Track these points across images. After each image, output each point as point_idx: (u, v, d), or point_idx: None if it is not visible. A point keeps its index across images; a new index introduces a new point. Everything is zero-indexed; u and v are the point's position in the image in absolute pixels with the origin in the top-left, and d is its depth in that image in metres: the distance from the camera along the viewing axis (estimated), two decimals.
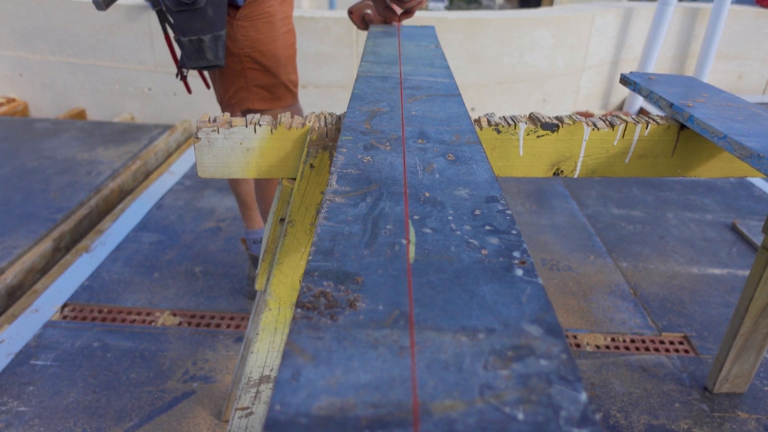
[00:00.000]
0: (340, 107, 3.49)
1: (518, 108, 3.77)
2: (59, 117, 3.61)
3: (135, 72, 3.58)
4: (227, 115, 0.96)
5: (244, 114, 1.55)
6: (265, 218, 1.87)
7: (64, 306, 1.85)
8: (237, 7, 1.38)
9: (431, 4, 12.06)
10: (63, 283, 1.97)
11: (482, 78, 3.61)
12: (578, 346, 1.76)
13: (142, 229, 2.34)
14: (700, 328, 1.86)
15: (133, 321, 1.79)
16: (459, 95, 0.93)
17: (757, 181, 3.05)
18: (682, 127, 1.05)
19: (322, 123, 0.92)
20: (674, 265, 2.22)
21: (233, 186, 1.80)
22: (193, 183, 2.80)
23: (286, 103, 1.54)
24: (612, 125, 1.03)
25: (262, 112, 1.51)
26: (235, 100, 1.52)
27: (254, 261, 1.89)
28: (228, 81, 1.49)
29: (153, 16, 3.40)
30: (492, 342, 0.37)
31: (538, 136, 1.01)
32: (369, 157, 0.65)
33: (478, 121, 1.01)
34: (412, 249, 0.47)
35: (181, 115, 3.64)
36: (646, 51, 4.03)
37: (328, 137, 0.91)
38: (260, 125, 0.92)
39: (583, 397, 0.32)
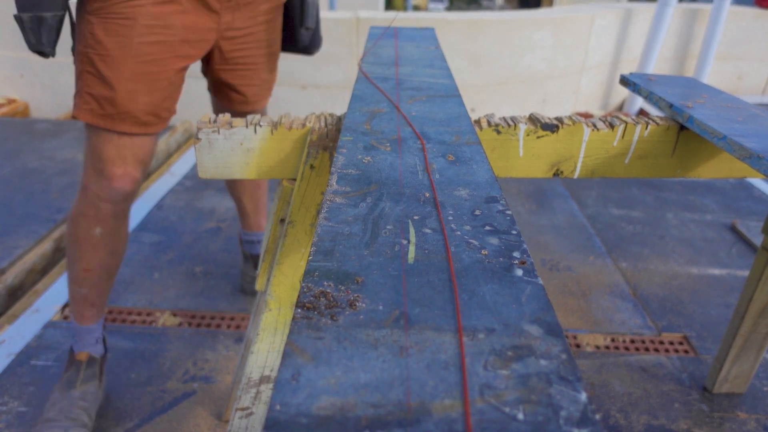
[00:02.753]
0: (340, 108, 3.50)
1: (518, 109, 3.77)
2: (60, 118, 3.61)
3: None
4: (227, 115, 0.96)
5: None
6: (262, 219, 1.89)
7: (64, 306, 1.85)
8: None
9: (431, 5, 12.05)
10: (63, 284, 1.97)
11: (482, 79, 3.61)
12: (578, 346, 1.76)
13: (143, 229, 2.34)
14: (700, 329, 1.86)
15: (134, 321, 1.79)
16: (459, 96, 0.93)
17: (757, 181, 3.05)
18: (682, 127, 1.05)
19: (323, 123, 0.93)
20: (674, 266, 2.22)
21: (229, 186, 1.81)
22: (194, 183, 2.80)
23: (125, 129, 1.20)
24: (612, 126, 1.03)
25: (90, 127, 1.22)
26: (72, 103, 1.35)
27: (246, 257, 1.93)
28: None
29: None
30: (492, 342, 0.37)
31: (538, 137, 1.01)
32: (369, 158, 0.65)
33: (478, 121, 1.01)
34: (412, 249, 0.47)
35: (181, 115, 3.64)
36: (645, 52, 4.03)
37: (328, 138, 0.91)
38: (260, 126, 0.93)
39: (583, 397, 0.32)
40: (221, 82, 1.44)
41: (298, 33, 1.51)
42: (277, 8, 1.40)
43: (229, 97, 1.49)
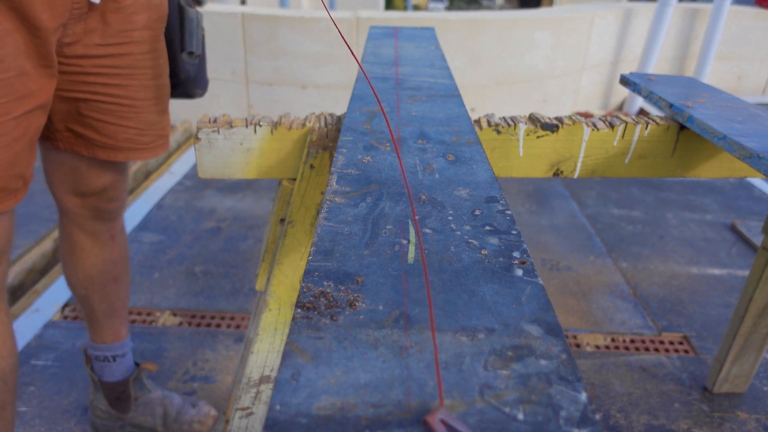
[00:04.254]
0: (340, 108, 3.50)
1: (518, 108, 3.77)
2: None
3: None
4: (227, 115, 0.96)
5: None
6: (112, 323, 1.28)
7: (64, 306, 1.85)
8: None
9: (431, 5, 12.05)
10: (63, 284, 1.97)
11: (482, 78, 3.61)
12: (578, 346, 1.76)
13: (143, 229, 2.34)
14: (700, 329, 1.86)
15: (134, 321, 1.79)
16: (459, 96, 0.93)
17: (757, 181, 3.05)
18: (682, 127, 1.05)
19: (322, 123, 0.93)
20: (674, 266, 2.22)
21: (69, 277, 1.22)
22: (194, 183, 2.80)
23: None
24: (612, 126, 1.03)
25: None
26: None
27: (96, 384, 1.33)
28: None
29: None
30: (492, 342, 0.37)
31: (538, 137, 1.01)
32: (369, 158, 0.65)
33: (478, 121, 1.01)
34: (412, 249, 0.47)
35: (181, 115, 3.64)
36: (645, 51, 4.03)
37: (328, 138, 0.91)
38: (260, 126, 0.93)
39: (583, 397, 0.32)
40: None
41: (178, 61, 1.08)
42: (160, 20, 1.00)
43: (86, 140, 1.01)
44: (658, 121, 1.06)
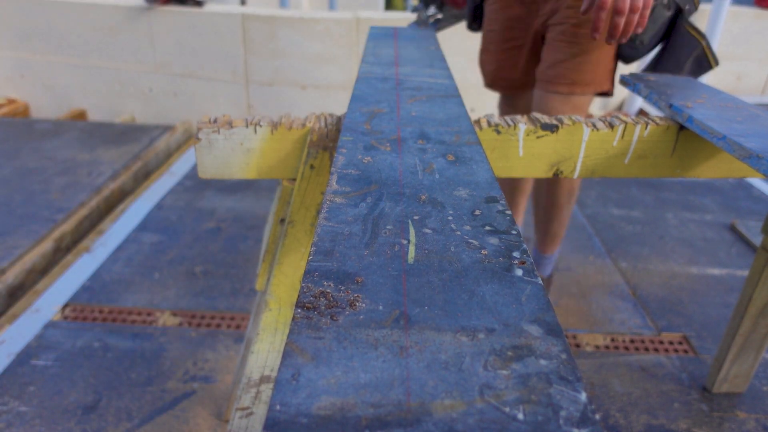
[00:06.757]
0: (340, 108, 3.50)
1: None
2: (60, 118, 3.61)
3: (135, 73, 3.58)
4: (227, 115, 0.97)
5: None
6: None
7: (64, 306, 1.85)
8: None
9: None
10: (64, 284, 1.97)
11: (482, 79, 3.61)
12: (578, 346, 1.76)
13: (143, 229, 2.34)
14: (700, 328, 1.86)
15: (134, 321, 1.79)
16: (459, 96, 0.93)
17: (756, 181, 3.05)
18: (682, 127, 1.05)
19: (322, 124, 0.93)
20: (673, 266, 2.22)
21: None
22: (194, 183, 2.80)
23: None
24: (611, 126, 1.03)
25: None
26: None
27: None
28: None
29: (153, 17, 3.40)
30: (492, 342, 0.37)
31: (537, 137, 1.01)
32: (369, 158, 0.65)
33: (478, 121, 1.01)
34: (412, 249, 0.47)
35: (181, 115, 3.64)
36: None
37: (328, 138, 0.91)
38: (260, 126, 0.93)
39: (583, 397, 0.32)
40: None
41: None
42: None
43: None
44: (658, 121, 1.06)
